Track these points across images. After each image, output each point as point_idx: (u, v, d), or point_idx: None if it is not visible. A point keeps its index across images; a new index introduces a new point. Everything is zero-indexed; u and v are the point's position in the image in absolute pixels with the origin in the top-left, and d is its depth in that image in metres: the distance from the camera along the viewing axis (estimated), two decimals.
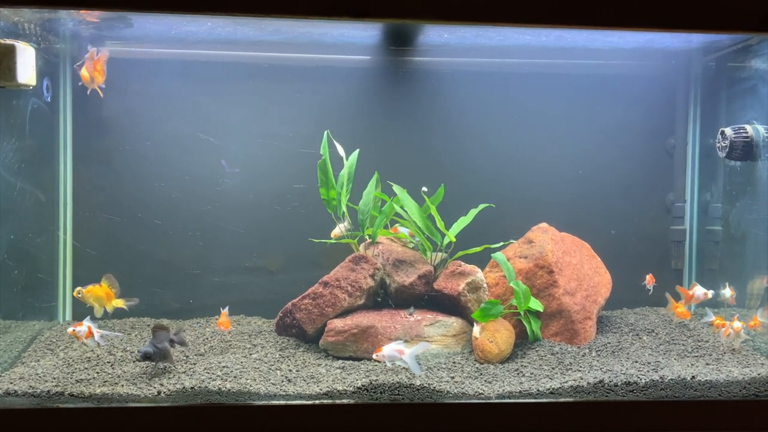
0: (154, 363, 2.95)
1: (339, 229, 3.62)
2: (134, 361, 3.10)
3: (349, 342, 3.27)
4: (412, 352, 2.88)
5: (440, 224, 3.49)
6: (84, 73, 3.24)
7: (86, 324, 2.97)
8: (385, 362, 2.92)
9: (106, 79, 3.33)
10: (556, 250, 3.61)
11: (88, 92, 3.32)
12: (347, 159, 3.60)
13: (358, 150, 3.61)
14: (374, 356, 2.94)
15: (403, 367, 2.93)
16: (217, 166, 3.80)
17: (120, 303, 3.10)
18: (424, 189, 3.54)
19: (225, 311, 3.43)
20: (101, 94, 3.32)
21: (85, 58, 3.28)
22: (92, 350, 3.19)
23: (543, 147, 3.99)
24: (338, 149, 3.60)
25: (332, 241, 3.65)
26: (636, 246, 4.07)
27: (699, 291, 3.49)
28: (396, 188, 3.49)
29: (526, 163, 4.00)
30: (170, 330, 3.04)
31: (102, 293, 3.04)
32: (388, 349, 2.89)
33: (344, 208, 3.60)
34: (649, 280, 3.78)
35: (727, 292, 3.49)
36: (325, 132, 3.58)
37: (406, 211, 3.49)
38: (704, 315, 3.46)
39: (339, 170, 3.61)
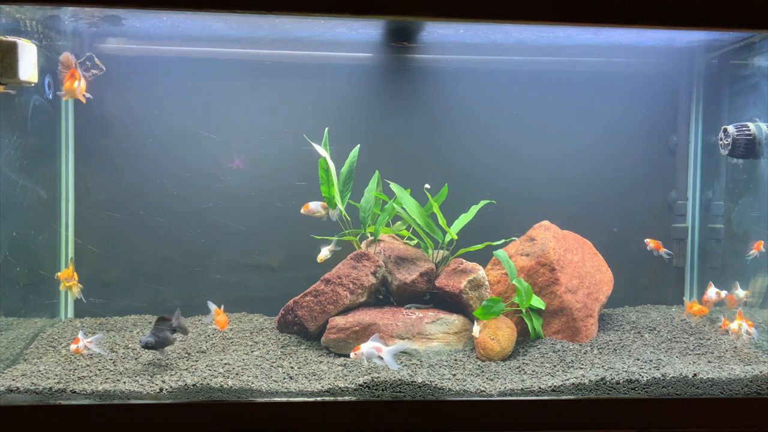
0: (155, 351, 3.00)
1: (324, 253, 3.61)
2: (135, 359, 3.11)
3: (350, 339, 3.27)
4: (390, 350, 2.90)
5: (442, 222, 3.49)
6: (67, 85, 3.18)
7: (82, 340, 3.02)
8: (363, 360, 2.92)
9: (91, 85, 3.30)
10: (558, 247, 3.61)
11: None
12: (331, 159, 3.56)
13: (358, 146, 3.60)
14: (351, 355, 2.93)
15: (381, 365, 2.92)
16: (219, 163, 3.80)
17: (75, 288, 3.29)
18: (427, 186, 3.54)
19: (217, 308, 3.32)
20: (84, 101, 3.24)
21: (62, 68, 3.22)
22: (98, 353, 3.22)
23: (545, 144, 3.99)
24: (318, 149, 3.52)
25: (334, 238, 3.65)
26: (638, 244, 4.05)
27: (711, 292, 3.47)
28: (394, 187, 3.49)
29: (527, 160, 3.99)
30: (171, 320, 3.07)
31: (68, 275, 3.23)
32: (366, 347, 2.91)
33: (342, 207, 3.59)
34: (656, 246, 3.77)
35: (741, 292, 3.44)
36: (326, 129, 3.58)
37: (405, 210, 3.48)
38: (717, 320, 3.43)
39: (340, 168, 3.60)
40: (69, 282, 3.31)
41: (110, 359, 3.09)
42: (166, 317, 3.07)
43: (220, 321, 3.33)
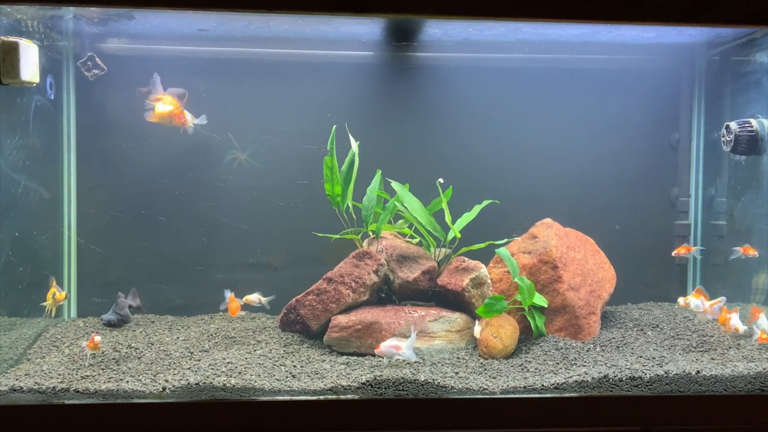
0: (117, 328, 3.17)
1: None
2: (138, 358, 3.11)
3: (353, 338, 3.27)
4: (408, 345, 3.02)
5: (448, 219, 3.48)
6: (159, 109, 3.32)
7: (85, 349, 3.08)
8: (384, 357, 3.04)
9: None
10: (561, 245, 3.61)
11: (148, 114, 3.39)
12: (357, 153, 3.58)
13: (357, 143, 3.60)
14: (376, 352, 3.04)
15: (404, 361, 3.05)
16: (220, 162, 3.81)
17: (62, 295, 3.34)
18: (440, 180, 3.53)
19: (231, 295, 3.48)
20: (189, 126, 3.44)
21: (149, 94, 3.36)
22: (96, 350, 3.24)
23: (547, 142, 3.98)
24: (351, 143, 3.58)
25: (336, 236, 3.65)
26: (640, 241, 4.06)
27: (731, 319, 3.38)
28: (395, 185, 3.49)
29: (530, 158, 3.99)
30: (126, 297, 3.19)
31: (58, 295, 3.29)
32: (385, 347, 3.02)
33: (348, 203, 3.60)
34: (687, 250, 3.80)
35: (765, 323, 3.23)
36: (333, 127, 3.57)
37: (406, 208, 3.48)
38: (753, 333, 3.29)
39: (342, 166, 3.60)
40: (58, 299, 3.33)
41: (113, 358, 3.10)
42: (123, 295, 3.17)
43: (232, 307, 3.43)
